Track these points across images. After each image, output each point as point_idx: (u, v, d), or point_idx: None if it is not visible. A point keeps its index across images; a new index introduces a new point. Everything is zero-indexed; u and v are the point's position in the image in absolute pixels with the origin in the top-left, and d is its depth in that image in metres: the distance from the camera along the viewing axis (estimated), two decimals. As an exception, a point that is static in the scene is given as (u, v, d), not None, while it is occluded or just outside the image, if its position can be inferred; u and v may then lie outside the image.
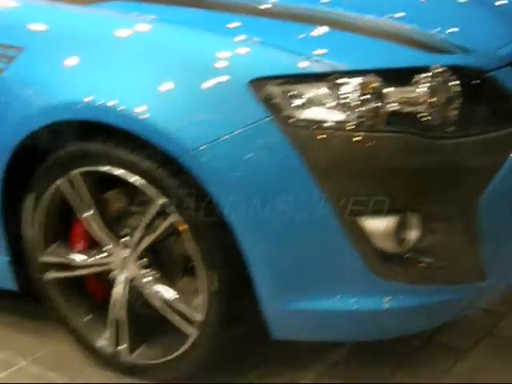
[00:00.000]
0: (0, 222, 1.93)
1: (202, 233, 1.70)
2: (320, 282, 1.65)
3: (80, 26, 1.82)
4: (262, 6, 1.89)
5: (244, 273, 1.66)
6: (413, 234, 1.62)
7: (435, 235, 1.62)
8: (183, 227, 1.72)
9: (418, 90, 1.58)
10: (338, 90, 1.57)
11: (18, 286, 2.03)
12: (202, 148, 1.59)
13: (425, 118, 1.58)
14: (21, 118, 1.78)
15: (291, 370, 1.97)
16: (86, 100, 1.70)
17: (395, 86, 1.58)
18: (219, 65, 1.64)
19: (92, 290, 2.00)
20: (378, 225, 1.59)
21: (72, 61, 1.76)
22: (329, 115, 1.56)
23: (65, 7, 1.88)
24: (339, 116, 1.56)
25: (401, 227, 1.61)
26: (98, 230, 1.85)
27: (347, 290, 1.65)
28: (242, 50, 1.65)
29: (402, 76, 1.60)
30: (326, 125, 1.55)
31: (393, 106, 1.57)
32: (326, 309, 1.66)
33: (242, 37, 1.67)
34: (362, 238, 1.59)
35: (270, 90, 1.57)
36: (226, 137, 1.58)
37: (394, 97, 1.57)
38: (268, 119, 1.57)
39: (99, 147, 1.76)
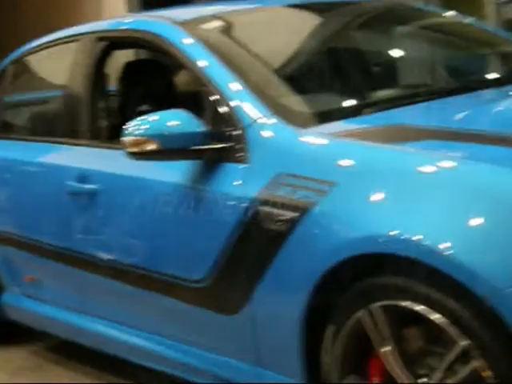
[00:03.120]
0: (300, 348, 1.99)
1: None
2: None
3: (385, 162, 1.88)
4: None
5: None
6: None
7: None
8: (487, 374, 1.60)
9: None
10: None
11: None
12: (514, 289, 1.50)
13: None
14: (327, 250, 1.85)
15: None
16: (390, 234, 1.72)
17: None
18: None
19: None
20: None
21: (378, 196, 1.82)
22: None
23: (372, 144, 1.96)
24: None
25: None
26: (395, 366, 1.81)
27: None
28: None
29: None
30: None
31: None
32: None
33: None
34: None
35: None
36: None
37: None
38: None
39: (401, 281, 1.75)
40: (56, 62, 3.28)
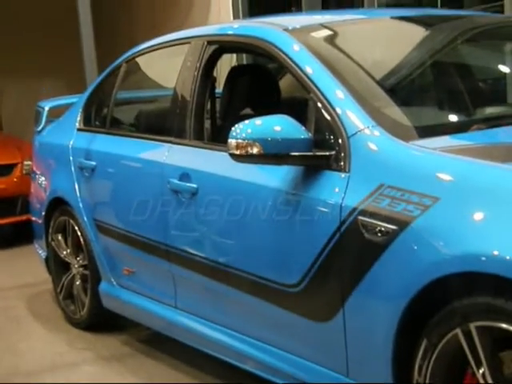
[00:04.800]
0: (391, 362, 1.98)
1: None
2: None
3: (490, 179, 1.85)
4: None
5: None
6: None
7: None
8: None
9: None
10: None
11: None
12: None
13: None
14: (425, 265, 1.83)
15: None
16: (492, 253, 1.69)
17: None
18: None
19: None
20: None
21: (480, 214, 1.79)
22: None
23: (476, 161, 1.93)
24: None
25: None
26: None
27: None
28: None
29: None
30: None
31: None
32: None
33: None
34: None
35: None
36: None
37: None
38: None
39: (500, 303, 1.72)
40: (166, 63, 3.39)
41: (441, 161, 1.98)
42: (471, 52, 3.09)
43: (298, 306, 2.28)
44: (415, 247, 1.86)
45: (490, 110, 2.72)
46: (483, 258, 1.71)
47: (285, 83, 3.28)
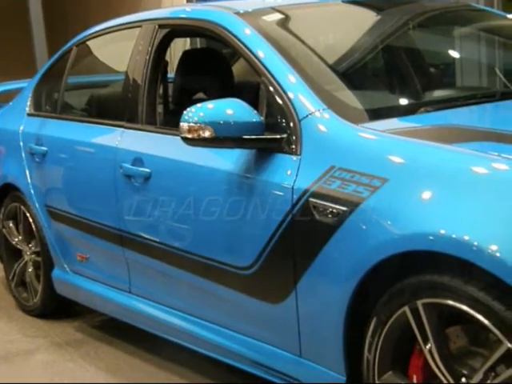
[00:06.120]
0: (342, 341, 2.01)
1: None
2: None
3: (437, 161, 1.89)
4: None
5: None
6: None
7: None
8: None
9: None
10: None
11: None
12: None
13: None
14: (375, 245, 1.87)
15: None
16: (440, 233, 1.73)
17: None
18: None
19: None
20: None
21: (428, 194, 1.82)
22: None
23: (424, 143, 1.97)
24: None
25: None
26: (436, 364, 1.82)
27: None
28: None
29: None
30: None
31: None
32: None
33: None
34: None
35: None
36: None
37: None
38: None
39: (447, 280, 1.76)
40: (118, 47, 3.35)
41: (389, 143, 2.01)
42: (421, 36, 3.13)
43: (251, 289, 2.30)
44: (365, 228, 1.89)
45: (439, 93, 2.77)
46: (430, 237, 1.75)
47: (238, 67, 3.28)
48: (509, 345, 1.64)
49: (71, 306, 3.50)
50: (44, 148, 3.32)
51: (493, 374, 1.70)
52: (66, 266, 3.35)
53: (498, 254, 1.61)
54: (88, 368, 3.00)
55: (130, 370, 2.95)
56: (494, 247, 1.62)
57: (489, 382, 1.71)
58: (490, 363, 1.70)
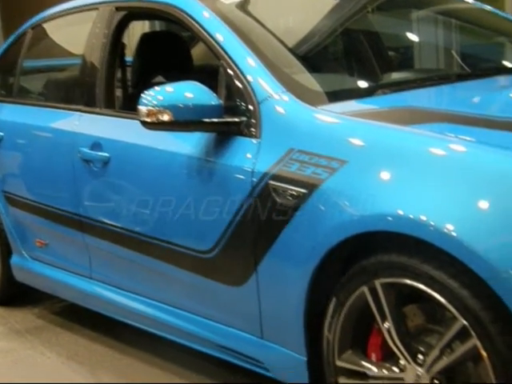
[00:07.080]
0: (303, 322, 2.03)
1: (504, 364, 1.60)
2: None
3: (395, 142, 1.91)
4: None
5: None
6: None
7: None
8: (483, 354, 1.64)
9: None
10: None
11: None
12: (513, 272, 1.53)
13: None
14: (333, 226, 1.88)
15: None
16: (397, 213, 1.75)
17: None
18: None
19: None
20: None
21: (386, 175, 1.85)
22: None
23: (382, 125, 1.98)
24: None
25: None
26: (394, 342, 1.85)
27: None
28: None
29: None
30: None
31: None
32: None
33: None
34: None
35: None
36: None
37: None
38: None
39: (404, 260, 1.78)
40: (74, 29, 3.30)
41: (348, 125, 2.03)
42: (380, 20, 3.15)
43: (212, 272, 2.31)
44: (323, 209, 1.90)
45: (397, 76, 2.79)
46: (389, 218, 1.77)
47: (197, 50, 3.26)
48: (464, 322, 1.67)
49: (31, 293, 3.46)
50: (0, 133, 3.26)
51: (448, 350, 1.74)
52: (24, 252, 3.30)
53: (453, 234, 1.64)
54: (49, 355, 2.98)
55: (91, 355, 2.94)
56: (450, 227, 1.65)
57: (445, 358, 1.75)
58: (445, 340, 1.73)
